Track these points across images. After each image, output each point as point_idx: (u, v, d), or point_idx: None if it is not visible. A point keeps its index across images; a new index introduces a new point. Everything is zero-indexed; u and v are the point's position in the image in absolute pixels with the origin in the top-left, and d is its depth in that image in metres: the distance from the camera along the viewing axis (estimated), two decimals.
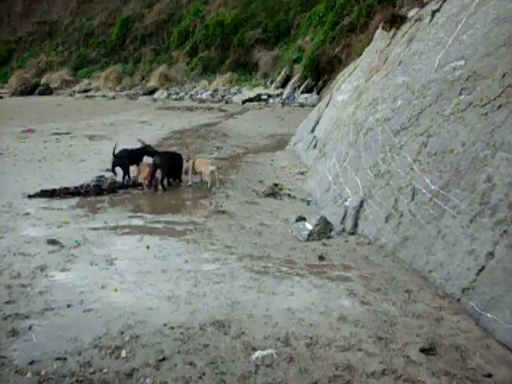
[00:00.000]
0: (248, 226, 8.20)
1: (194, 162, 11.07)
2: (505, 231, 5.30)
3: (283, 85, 33.22)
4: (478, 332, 4.92)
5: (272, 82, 34.77)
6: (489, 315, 4.97)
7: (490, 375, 4.22)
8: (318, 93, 29.76)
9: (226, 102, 33.58)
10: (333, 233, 7.73)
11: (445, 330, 4.88)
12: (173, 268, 6.32)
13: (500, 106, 6.66)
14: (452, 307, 5.35)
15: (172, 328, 4.96)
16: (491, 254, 5.30)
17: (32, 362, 4.38)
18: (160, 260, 6.62)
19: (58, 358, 4.43)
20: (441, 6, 11.52)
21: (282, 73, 34.05)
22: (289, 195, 10.22)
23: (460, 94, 7.69)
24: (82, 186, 10.39)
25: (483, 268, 5.29)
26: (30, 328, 4.90)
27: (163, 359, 4.47)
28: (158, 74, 43.37)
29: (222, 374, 4.26)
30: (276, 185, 10.84)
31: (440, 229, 6.15)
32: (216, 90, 37.57)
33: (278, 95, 32.17)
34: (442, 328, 4.94)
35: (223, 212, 8.96)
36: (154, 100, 37.25)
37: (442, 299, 5.50)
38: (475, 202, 5.88)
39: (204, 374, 4.27)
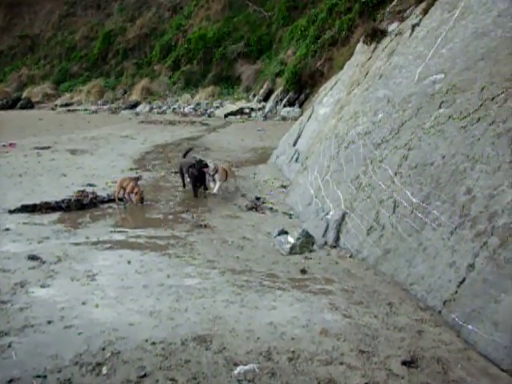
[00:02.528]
0: (230, 239, 8.19)
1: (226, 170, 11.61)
2: (485, 243, 5.34)
3: (265, 98, 33.34)
4: (460, 344, 4.93)
5: (254, 96, 34.88)
6: (470, 327, 5.00)
7: None
8: (301, 106, 29.89)
9: (209, 116, 33.60)
10: (315, 246, 7.74)
11: (426, 342, 4.90)
12: (154, 283, 6.27)
13: (479, 119, 6.74)
14: (433, 319, 5.37)
15: (153, 343, 4.91)
16: (472, 266, 5.33)
17: (11, 381, 4.30)
18: (141, 275, 6.57)
19: (38, 376, 4.36)
20: (420, 20, 11.67)
21: (265, 86, 34.17)
22: (271, 209, 10.23)
23: (440, 107, 7.77)
24: (63, 201, 10.31)
25: (464, 280, 5.33)
26: (9, 345, 4.82)
27: (144, 375, 4.42)
28: (140, 87, 43.31)
29: None
30: (258, 198, 10.86)
31: (421, 241, 6.19)
32: (198, 104, 37.60)
33: (260, 109, 32.25)
34: (423, 340, 4.95)
35: (205, 226, 8.94)
36: (137, 114, 37.14)
37: (423, 312, 5.52)
38: (455, 215, 5.92)
39: None
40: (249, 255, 7.48)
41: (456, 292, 5.33)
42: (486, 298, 4.98)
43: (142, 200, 10.51)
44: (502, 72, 7.25)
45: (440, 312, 5.42)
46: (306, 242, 7.62)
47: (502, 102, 6.54)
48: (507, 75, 7.06)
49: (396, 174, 7.40)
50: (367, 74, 12.06)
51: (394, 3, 16.80)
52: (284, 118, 29.09)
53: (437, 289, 5.60)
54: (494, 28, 8.60)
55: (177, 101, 40.13)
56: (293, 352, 4.76)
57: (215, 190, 11.33)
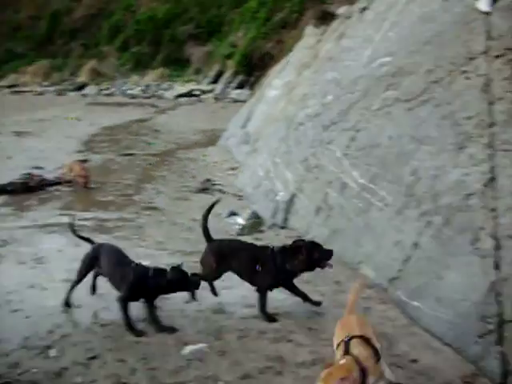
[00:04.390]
0: (180, 221, 8.18)
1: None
2: (429, 222, 5.48)
3: (216, 80, 33.20)
4: (405, 320, 5.07)
5: (204, 78, 34.68)
6: (414, 303, 5.13)
7: (415, 361, 4.37)
8: (251, 88, 29.79)
9: (158, 98, 33.28)
10: (264, 227, 7.80)
11: (373, 318, 5.00)
12: None
13: (424, 102, 6.87)
14: (380, 297, 5.50)
15: (103, 325, 4.90)
16: (416, 245, 5.47)
17: None
18: None
19: None
20: (369, 4, 11.75)
21: (215, 68, 34.02)
22: (220, 190, 10.23)
23: (387, 89, 7.88)
24: (9, 184, 10.08)
25: (409, 258, 5.46)
26: None
27: (93, 357, 4.41)
28: (88, 69, 42.52)
29: (153, 369, 4.25)
30: (208, 180, 10.84)
31: (368, 221, 6.31)
32: (148, 86, 37.17)
33: (210, 91, 32.12)
34: (370, 317, 5.05)
35: (154, 208, 8.90)
36: (84, 96, 36.48)
37: (370, 289, 5.65)
38: (401, 195, 6.05)
39: (135, 370, 4.25)
40: (199, 237, 7.44)
41: (401, 270, 5.47)
42: (430, 275, 5.12)
43: (87, 183, 10.36)
44: (447, 56, 7.38)
45: (386, 290, 5.55)
46: (256, 223, 7.68)
47: (447, 84, 6.68)
48: (452, 59, 7.20)
49: (344, 156, 7.50)
50: (317, 56, 12.12)
51: None
52: (234, 100, 29.02)
53: (383, 267, 5.72)
54: (440, 13, 8.72)
55: (126, 83, 39.58)
56: (242, 330, 4.82)
57: None
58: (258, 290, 5.18)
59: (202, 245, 7.06)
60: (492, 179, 5.22)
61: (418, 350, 4.52)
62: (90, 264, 5.29)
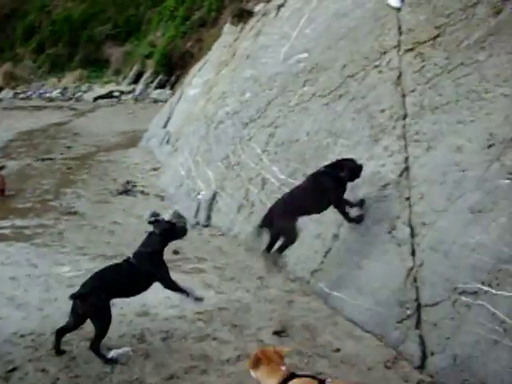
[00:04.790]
0: (101, 225, 8.03)
1: None
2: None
3: (136, 81, 32.68)
4: (327, 311, 5.15)
5: (124, 79, 34.09)
6: (336, 294, 5.22)
7: (338, 350, 4.45)
8: (172, 88, 29.58)
9: (77, 100, 32.45)
10: (187, 226, 7.75)
11: (296, 311, 5.07)
12: (22, 274, 6.03)
13: (340, 96, 7.01)
14: (302, 289, 5.57)
15: (22, 336, 4.76)
16: (336, 236, 5.58)
17: None
18: (8, 267, 6.31)
19: None
20: (285, 1, 11.88)
21: (134, 69, 33.49)
22: (142, 192, 10.10)
23: (304, 85, 8.00)
24: None
25: (329, 250, 5.56)
26: None
27: (14, 369, 4.26)
28: (3, 72, 40.94)
29: (76, 377, 4.16)
30: (129, 182, 10.67)
31: None
32: (66, 88, 36.17)
33: (130, 91, 31.60)
34: (293, 310, 5.12)
35: (75, 213, 8.70)
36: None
37: (292, 283, 5.71)
38: None
39: (58, 379, 4.14)
40: (120, 239, 7.37)
41: (322, 262, 5.56)
42: (350, 266, 5.22)
43: (3, 191, 10.00)
44: (361, 51, 7.56)
45: (308, 282, 5.62)
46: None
47: (361, 79, 6.83)
48: (366, 54, 7.38)
49: (264, 152, 7.55)
50: (235, 54, 12.15)
51: None
52: (155, 101, 28.67)
53: (305, 260, 5.79)
54: (353, 9, 8.92)
55: (43, 85, 38.38)
56: (166, 332, 4.78)
57: None
58: (337, 206, 5.33)
59: (123, 247, 6.99)
60: (406, 169, 5.38)
61: (341, 340, 4.60)
62: None
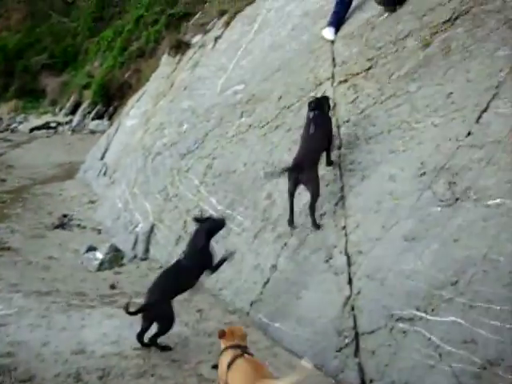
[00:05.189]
0: (35, 260, 7.78)
1: None
2: (285, 244, 5.62)
3: (73, 111, 32.13)
4: (267, 342, 5.11)
5: (61, 109, 33.51)
6: (275, 325, 5.20)
7: None
8: (110, 119, 29.23)
9: (12, 131, 31.60)
10: (125, 260, 7.62)
11: None
12: None
13: (277, 127, 7.09)
14: (242, 321, 5.51)
15: None
16: (274, 267, 5.58)
17: None
18: None
19: None
20: (222, 33, 12.02)
21: (71, 99, 32.97)
22: (79, 225, 9.86)
23: (241, 116, 8.06)
24: None
25: (268, 280, 5.55)
26: None
27: None
28: None
29: None
30: (65, 215, 10.41)
31: (227, 247, 6.32)
32: (0, 119, 35.34)
33: (67, 122, 31.03)
34: None
35: (8, 248, 8.40)
36: None
37: (232, 315, 5.66)
38: (258, 219, 6.16)
39: None
40: (56, 275, 7.16)
41: (261, 293, 5.54)
42: (288, 296, 5.23)
43: None
44: (296, 82, 7.69)
45: (248, 313, 5.58)
46: (115, 257, 7.47)
47: (297, 110, 6.94)
48: (301, 85, 7.52)
49: (201, 183, 7.53)
50: (172, 85, 12.15)
51: (197, 16, 17.10)
52: (93, 132, 28.22)
53: (244, 291, 5.76)
54: (289, 41, 9.10)
55: None
56: (103, 370, 4.64)
57: None
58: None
59: (59, 283, 6.81)
60: (342, 198, 5.46)
61: (281, 370, 4.57)
62: None
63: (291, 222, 5.65)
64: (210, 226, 5.32)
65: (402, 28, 6.77)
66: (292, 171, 5.48)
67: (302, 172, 5.42)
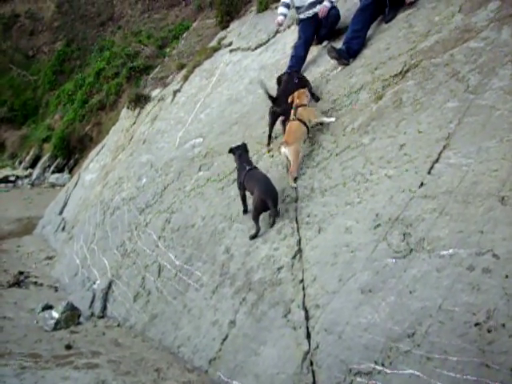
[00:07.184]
0: None
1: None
2: (244, 299, 5.56)
3: (32, 165, 31.82)
4: None
5: (20, 163, 33.17)
6: (235, 382, 5.10)
7: None
8: (70, 172, 29.00)
9: None
10: (82, 318, 7.41)
11: None
12: None
13: (235, 180, 7.10)
14: (201, 380, 5.40)
15: None
16: (233, 323, 5.50)
17: None
18: None
19: None
20: (181, 87, 12.16)
21: (31, 152, 32.67)
22: (35, 283, 9.61)
23: (199, 170, 8.09)
24: None
25: (227, 337, 5.47)
26: None
27: None
28: None
29: None
30: (21, 273, 10.15)
31: (186, 303, 6.25)
32: None
33: (27, 176, 30.68)
34: None
35: None
36: None
37: (190, 373, 5.54)
38: (216, 274, 6.11)
39: None
40: (9, 336, 6.92)
41: (220, 349, 5.44)
42: (247, 352, 5.15)
43: None
44: (253, 135, 7.79)
45: (207, 371, 5.46)
46: (72, 315, 7.27)
47: (255, 163, 6.98)
48: (258, 138, 7.61)
49: (160, 238, 7.47)
50: (132, 139, 12.16)
51: (157, 69, 17.29)
52: (53, 185, 27.93)
53: (202, 348, 5.65)
54: (246, 94, 9.25)
55: None
56: None
57: None
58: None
59: (12, 344, 6.59)
60: (299, 251, 5.47)
61: None
62: None
63: None
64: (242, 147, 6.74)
65: (355, 81, 6.96)
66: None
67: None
